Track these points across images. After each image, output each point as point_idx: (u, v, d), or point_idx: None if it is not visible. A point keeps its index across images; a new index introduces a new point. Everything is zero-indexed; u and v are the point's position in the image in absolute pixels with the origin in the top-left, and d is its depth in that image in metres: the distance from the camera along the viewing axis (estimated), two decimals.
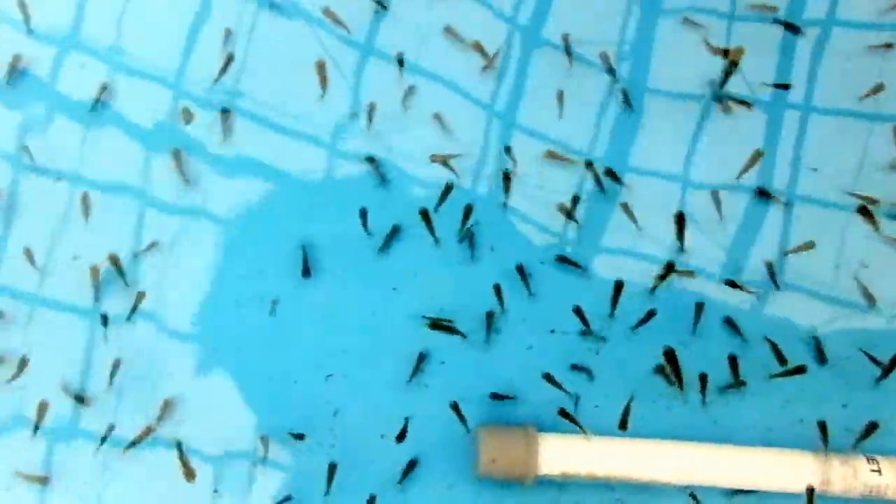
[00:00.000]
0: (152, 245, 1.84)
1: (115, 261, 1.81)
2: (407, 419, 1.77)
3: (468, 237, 1.85)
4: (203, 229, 1.86)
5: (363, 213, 1.85)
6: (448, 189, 1.86)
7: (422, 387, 1.80)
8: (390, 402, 1.79)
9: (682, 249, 1.86)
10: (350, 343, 1.82)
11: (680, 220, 1.86)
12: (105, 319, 1.79)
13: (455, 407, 1.76)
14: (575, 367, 1.81)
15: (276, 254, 1.84)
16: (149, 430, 1.75)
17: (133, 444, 1.74)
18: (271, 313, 1.82)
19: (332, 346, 1.81)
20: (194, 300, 1.83)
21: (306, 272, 1.82)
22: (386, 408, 1.79)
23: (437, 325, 1.80)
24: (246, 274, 1.84)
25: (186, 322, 1.82)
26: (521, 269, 1.84)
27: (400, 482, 1.75)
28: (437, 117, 1.90)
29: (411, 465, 1.75)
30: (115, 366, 1.78)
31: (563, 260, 1.85)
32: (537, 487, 1.73)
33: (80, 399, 1.77)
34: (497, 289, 1.82)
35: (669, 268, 1.84)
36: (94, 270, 1.81)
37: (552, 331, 1.83)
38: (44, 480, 1.75)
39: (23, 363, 1.77)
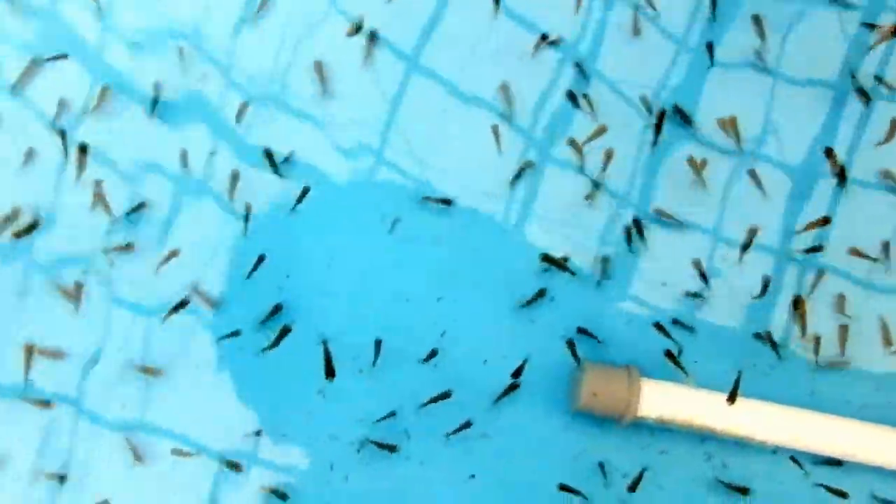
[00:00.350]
0: (290, 155, 1.90)
1: (268, 155, 1.88)
2: (525, 360, 1.81)
3: (595, 186, 1.89)
4: (333, 141, 1.91)
5: (495, 130, 1.89)
6: (601, 130, 1.89)
7: (527, 320, 1.86)
8: (496, 331, 1.85)
9: (841, 185, 1.87)
10: (464, 269, 1.87)
11: (835, 162, 1.87)
12: (248, 213, 1.87)
13: (570, 343, 1.81)
14: (677, 323, 1.85)
15: (402, 173, 1.90)
16: (286, 331, 1.82)
17: (271, 346, 1.81)
18: (391, 231, 1.89)
19: (446, 269, 1.87)
20: (317, 212, 1.89)
21: (445, 202, 1.87)
22: (491, 335, 1.85)
23: (550, 259, 1.85)
24: (370, 190, 1.90)
25: (308, 233, 1.88)
26: (637, 223, 1.87)
27: (496, 401, 1.81)
28: (578, 64, 1.93)
29: (512, 387, 1.80)
30: (259, 261, 1.85)
31: (660, 214, 1.87)
32: (628, 431, 1.79)
33: (209, 301, 1.85)
34: (628, 232, 1.86)
35: (825, 221, 1.85)
36: (235, 173, 1.88)
37: (664, 284, 1.87)
38: (156, 373, 1.83)
39: (171, 254, 1.85)
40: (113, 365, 1.84)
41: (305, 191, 1.87)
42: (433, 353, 1.82)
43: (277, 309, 1.84)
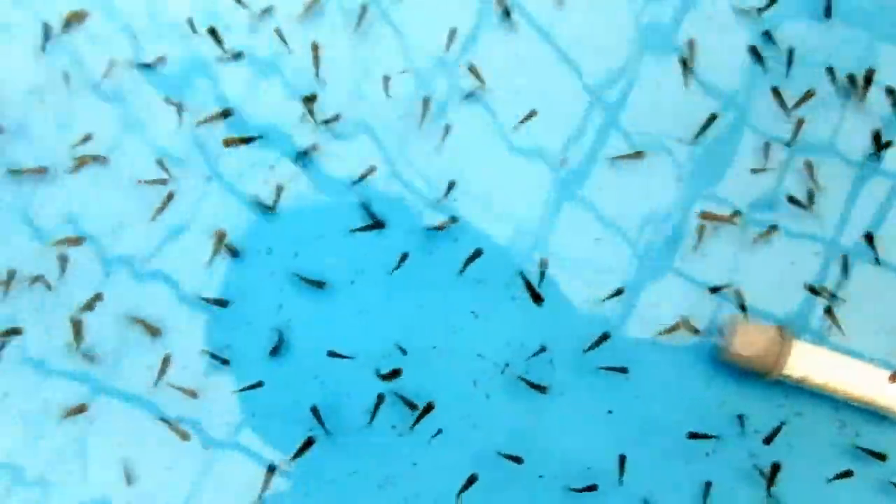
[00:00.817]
0: (473, 91, 1.99)
1: (475, 71, 1.97)
2: (680, 321, 1.88)
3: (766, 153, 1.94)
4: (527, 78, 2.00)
5: (684, 63, 1.96)
6: (809, 95, 1.94)
7: (681, 273, 1.91)
8: (647, 278, 1.91)
9: None
10: (625, 217, 1.94)
11: None
12: (446, 133, 1.96)
13: (738, 293, 1.87)
14: (818, 290, 1.88)
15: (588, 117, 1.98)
16: (478, 254, 1.90)
17: (463, 269, 1.90)
18: (559, 167, 1.95)
19: (608, 214, 1.94)
20: (492, 143, 1.97)
21: (637, 154, 1.95)
22: (642, 282, 1.91)
23: (709, 216, 1.91)
24: (546, 129, 1.98)
25: (481, 162, 1.97)
26: (793, 199, 1.91)
27: (661, 333, 1.87)
28: (766, 33, 1.98)
29: (674, 327, 1.87)
30: (450, 187, 1.94)
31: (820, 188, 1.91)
32: (766, 389, 1.84)
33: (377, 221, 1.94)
34: (791, 199, 1.91)
35: None
36: (427, 99, 1.97)
37: (816, 253, 1.91)
38: (321, 285, 1.91)
39: (368, 171, 1.95)
40: (287, 269, 1.93)
41: (531, 114, 1.95)
42: (619, 292, 1.89)
43: (453, 220, 1.92)
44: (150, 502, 1.86)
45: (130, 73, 2.00)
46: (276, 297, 1.92)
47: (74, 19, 2.00)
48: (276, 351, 1.88)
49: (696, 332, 1.86)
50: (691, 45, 1.97)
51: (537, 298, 1.88)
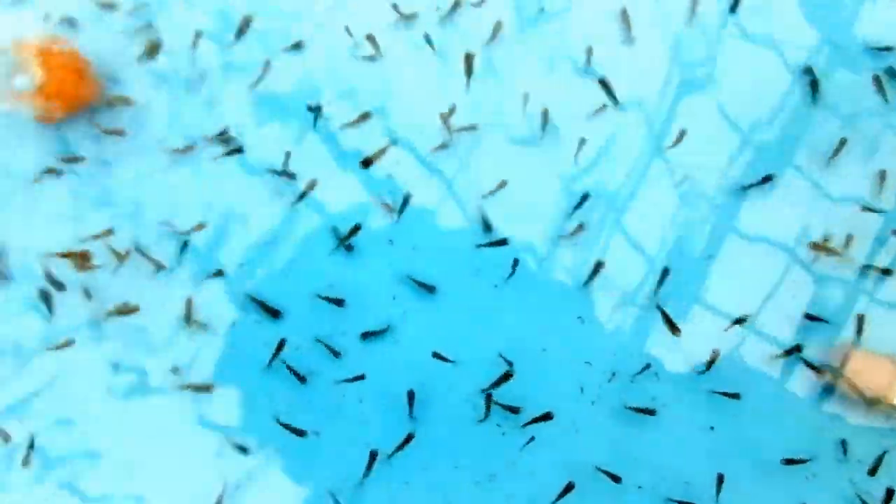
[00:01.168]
0: (603, 107, 2.04)
1: (606, 86, 2.02)
2: (792, 347, 1.91)
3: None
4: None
5: (809, 71, 1.99)
6: None
7: (785, 298, 1.93)
8: (754, 299, 1.94)
9: None
10: (729, 236, 1.97)
11: None
12: (580, 147, 2.00)
13: (860, 317, 1.89)
14: None
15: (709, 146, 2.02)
16: (600, 266, 1.95)
17: (588, 280, 1.95)
18: (678, 185, 1.99)
19: (717, 235, 1.97)
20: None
21: (767, 179, 1.96)
22: (750, 302, 1.94)
23: (820, 247, 1.93)
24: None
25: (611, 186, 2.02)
26: None
27: (771, 358, 1.91)
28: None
29: (785, 353, 1.90)
30: (583, 199, 1.99)
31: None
32: (872, 418, 1.86)
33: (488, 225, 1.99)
34: None
35: None
36: (545, 112, 2.00)
37: None
38: (430, 288, 1.96)
39: (499, 185, 1.99)
40: (405, 262, 1.98)
41: (681, 134, 1.98)
42: (740, 321, 1.90)
43: (578, 230, 1.97)
44: (259, 477, 1.92)
45: (276, 70, 2.07)
46: (392, 288, 1.97)
47: (246, 23, 2.07)
48: (376, 336, 1.93)
49: (806, 362, 1.89)
50: (810, 70, 2.00)
51: (675, 329, 1.91)
